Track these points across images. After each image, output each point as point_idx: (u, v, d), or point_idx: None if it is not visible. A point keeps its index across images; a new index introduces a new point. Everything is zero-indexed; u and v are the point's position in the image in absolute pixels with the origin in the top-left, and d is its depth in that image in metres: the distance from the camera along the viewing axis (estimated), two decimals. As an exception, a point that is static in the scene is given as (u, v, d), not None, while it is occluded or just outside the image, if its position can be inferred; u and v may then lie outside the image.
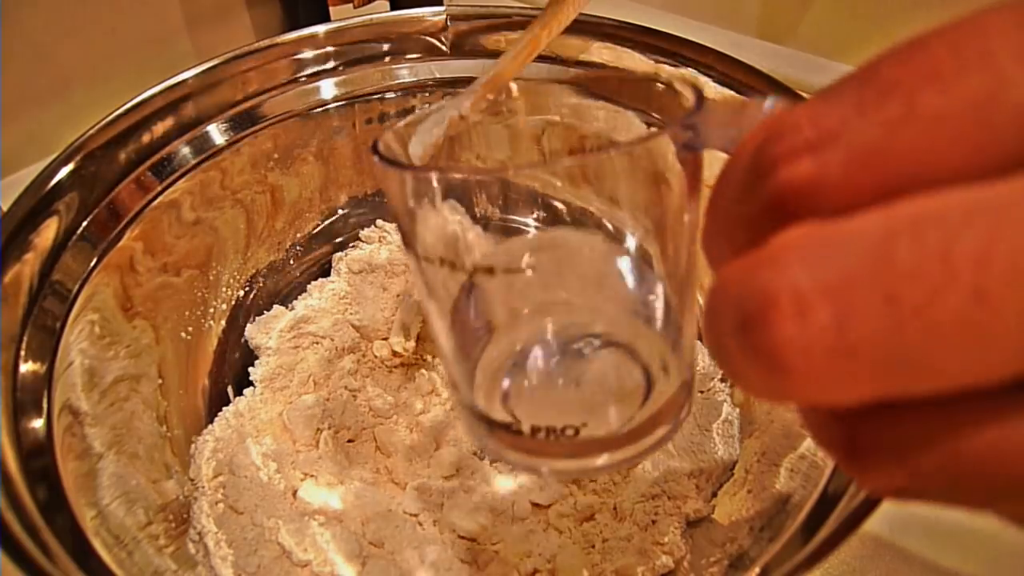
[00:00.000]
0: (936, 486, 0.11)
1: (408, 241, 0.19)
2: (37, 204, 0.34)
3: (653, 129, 0.19)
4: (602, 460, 0.20)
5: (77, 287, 0.35)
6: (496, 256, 0.21)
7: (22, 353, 0.31)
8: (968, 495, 0.11)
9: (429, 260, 0.19)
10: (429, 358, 0.46)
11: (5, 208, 0.33)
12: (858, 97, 0.10)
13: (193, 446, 0.39)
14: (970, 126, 0.10)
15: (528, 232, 0.22)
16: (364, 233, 0.48)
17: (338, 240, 0.48)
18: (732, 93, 0.40)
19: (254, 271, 0.45)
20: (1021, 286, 0.09)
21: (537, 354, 0.21)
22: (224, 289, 0.44)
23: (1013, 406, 0.10)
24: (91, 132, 0.36)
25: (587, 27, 0.44)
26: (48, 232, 0.34)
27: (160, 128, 0.39)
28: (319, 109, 0.44)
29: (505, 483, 0.40)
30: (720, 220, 0.13)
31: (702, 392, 0.41)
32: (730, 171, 0.12)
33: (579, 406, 0.20)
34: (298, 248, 0.47)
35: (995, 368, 0.09)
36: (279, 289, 0.46)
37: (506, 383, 0.20)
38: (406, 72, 0.46)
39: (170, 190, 0.39)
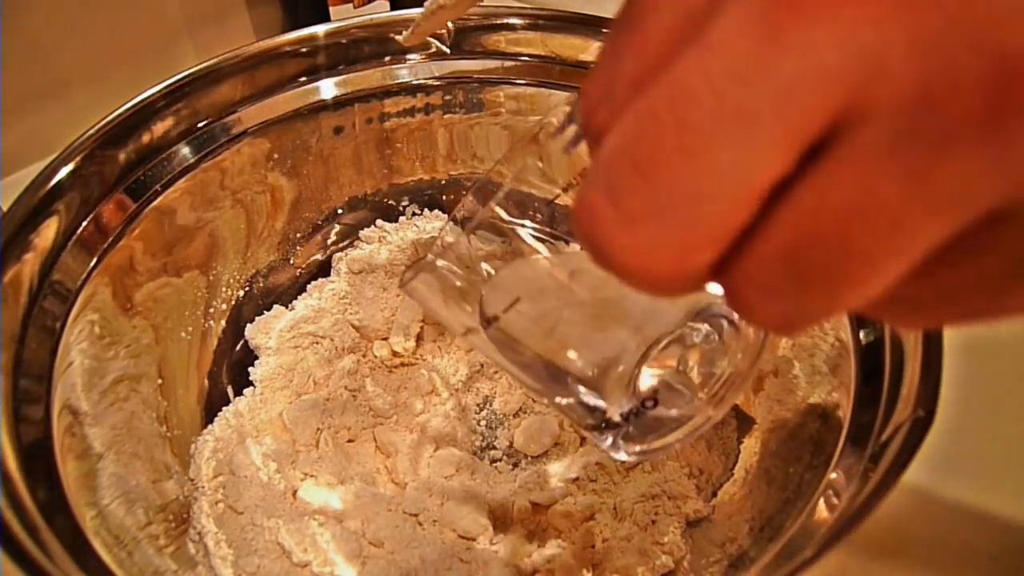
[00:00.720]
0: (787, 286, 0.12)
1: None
2: (37, 204, 0.34)
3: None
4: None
5: (77, 287, 0.35)
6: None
7: (22, 353, 0.31)
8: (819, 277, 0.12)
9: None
10: (429, 358, 0.46)
11: (5, 208, 0.33)
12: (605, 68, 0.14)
13: (193, 446, 0.39)
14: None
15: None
16: (364, 233, 0.48)
17: (338, 240, 0.48)
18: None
19: (254, 271, 0.45)
20: (694, 104, 0.11)
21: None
22: (224, 289, 0.44)
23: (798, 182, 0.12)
24: (91, 132, 0.36)
25: (586, 26, 0.44)
26: (48, 232, 0.34)
27: (160, 128, 0.39)
28: (319, 109, 0.44)
29: (505, 483, 0.40)
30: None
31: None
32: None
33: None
34: (298, 248, 0.47)
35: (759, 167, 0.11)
36: (279, 289, 0.46)
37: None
38: (406, 72, 0.46)
39: (170, 190, 0.39)
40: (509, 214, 0.21)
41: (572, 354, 0.21)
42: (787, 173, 0.12)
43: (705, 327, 0.21)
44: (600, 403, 0.21)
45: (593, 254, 0.13)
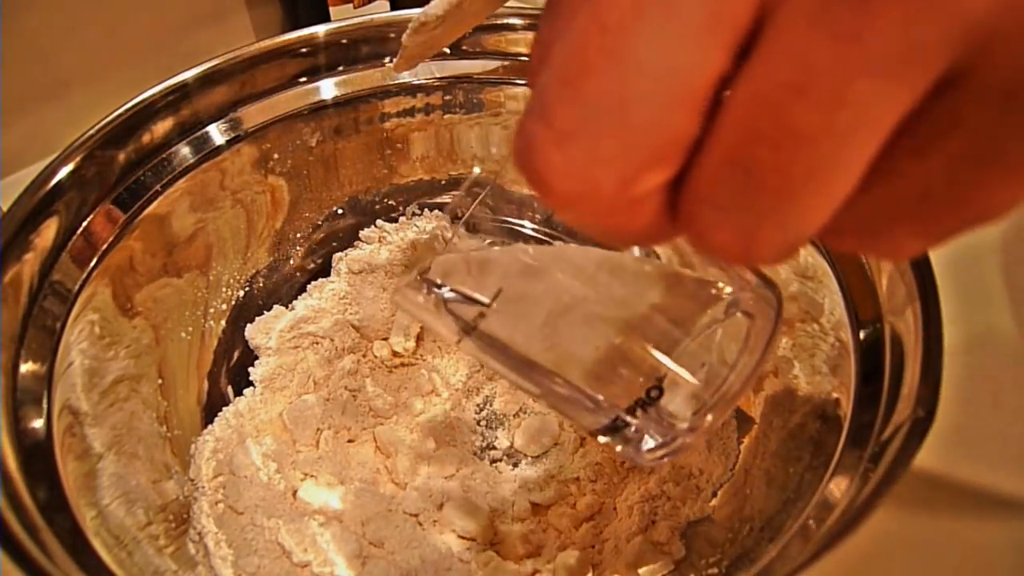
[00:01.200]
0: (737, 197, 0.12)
1: None
2: (37, 204, 0.34)
3: None
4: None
5: (77, 287, 0.35)
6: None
7: (22, 353, 0.31)
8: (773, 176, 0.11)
9: None
10: (429, 358, 0.46)
11: (5, 208, 0.33)
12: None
13: (193, 446, 0.39)
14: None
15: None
16: (364, 233, 0.48)
17: (338, 240, 0.48)
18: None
19: (254, 271, 0.45)
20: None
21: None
22: (224, 289, 0.44)
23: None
24: (91, 132, 0.36)
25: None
26: (48, 232, 0.34)
27: (160, 128, 0.39)
28: (319, 109, 0.44)
29: (505, 483, 0.40)
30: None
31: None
32: None
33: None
34: (298, 248, 0.47)
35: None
36: (279, 289, 0.46)
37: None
38: (406, 72, 0.46)
39: (170, 190, 0.39)
40: (505, 213, 0.21)
41: (564, 356, 0.21)
42: (724, 72, 0.11)
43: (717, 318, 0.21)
44: (600, 398, 0.21)
45: (532, 185, 0.12)
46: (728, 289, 0.20)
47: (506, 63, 0.46)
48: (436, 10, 0.27)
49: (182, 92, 0.39)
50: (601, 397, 0.21)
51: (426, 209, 0.49)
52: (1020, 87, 0.10)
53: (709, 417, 0.21)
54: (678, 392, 0.21)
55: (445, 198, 0.50)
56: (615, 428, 0.21)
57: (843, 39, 0.10)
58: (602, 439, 0.22)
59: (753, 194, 0.11)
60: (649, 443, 0.21)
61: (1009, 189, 0.11)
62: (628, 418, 0.21)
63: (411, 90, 0.46)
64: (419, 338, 0.46)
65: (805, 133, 0.10)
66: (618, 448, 0.22)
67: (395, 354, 0.45)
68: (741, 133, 0.11)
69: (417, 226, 0.48)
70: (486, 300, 0.21)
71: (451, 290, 0.21)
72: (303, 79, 0.44)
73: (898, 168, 0.11)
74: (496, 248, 0.22)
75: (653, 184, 0.12)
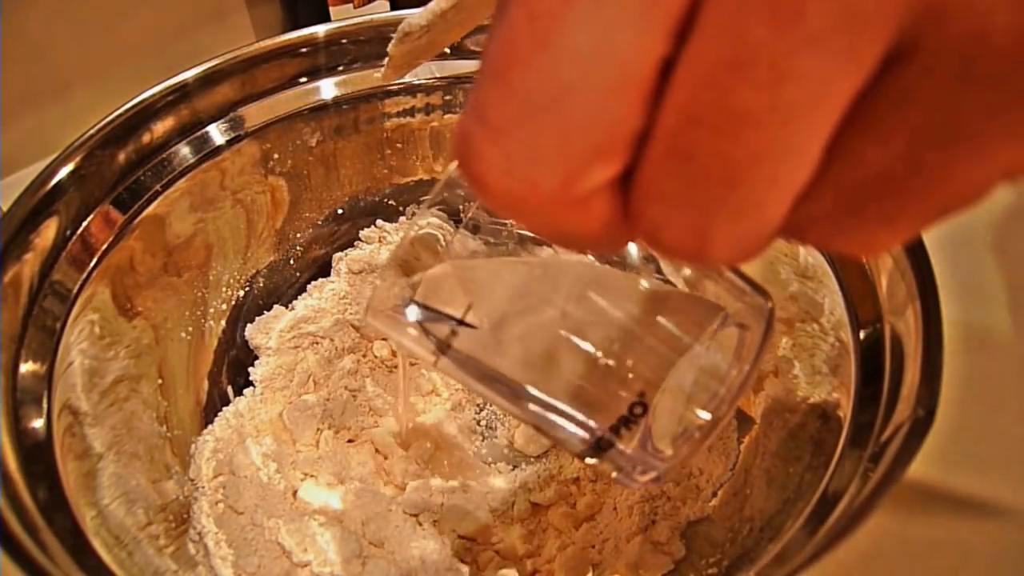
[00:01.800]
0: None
1: None
2: (37, 204, 0.34)
3: None
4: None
5: (77, 287, 0.35)
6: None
7: (22, 353, 0.31)
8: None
9: None
10: (429, 358, 0.46)
11: (5, 208, 0.33)
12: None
13: (193, 446, 0.39)
14: None
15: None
16: (364, 233, 0.48)
17: (338, 240, 0.48)
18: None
19: (254, 271, 0.45)
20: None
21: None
22: (224, 289, 0.44)
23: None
24: (91, 132, 0.36)
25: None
26: (48, 232, 0.34)
27: (160, 128, 0.39)
28: (319, 109, 0.44)
29: (505, 483, 0.40)
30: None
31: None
32: None
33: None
34: (298, 248, 0.47)
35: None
36: (279, 289, 0.46)
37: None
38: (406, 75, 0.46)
39: (170, 190, 0.39)
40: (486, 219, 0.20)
41: (543, 374, 0.20)
42: (665, 56, 0.10)
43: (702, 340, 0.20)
44: (580, 416, 0.20)
45: (471, 185, 0.12)
46: (720, 304, 0.20)
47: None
48: (420, 20, 0.27)
49: (182, 92, 0.39)
50: (581, 416, 0.20)
51: (426, 209, 0.49)
52: (976, 54, 0.09)
53: (697, 435, 0.20)
54: (664, 409, 0.20)
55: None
56: (600, 447, 0.20)
57: (780, 12, 0.09)
58: (589, 461, 0.21)
59: (699, 185, 0.11)
60: (642, 467, 0.20)
61: (978, 166, 0.10)
62: (612, 437, 0.20)
63: (411, 90, 0.46)
64: (419, 338, 0.46)
65: (746, 114, 0.10)
66: (613, 475, 0.21)
67: (395, 354, 0.45)
68: (681, 119, 0.10)
69: (419, 224, 0.48)
70: (460, 316, 0.20)
71: (425, 308, 0.21)
72: (303, 79, 0.44)
73: (856, 151, 0.11)
74: (482, 260, 0.21)
75: (597, 181, 0.11)
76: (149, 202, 0.38)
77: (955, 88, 0.10)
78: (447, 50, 0.46)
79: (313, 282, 0.47)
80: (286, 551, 0.35)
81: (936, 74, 0.10)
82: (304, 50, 0.43)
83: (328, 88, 0.44)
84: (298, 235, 0.47)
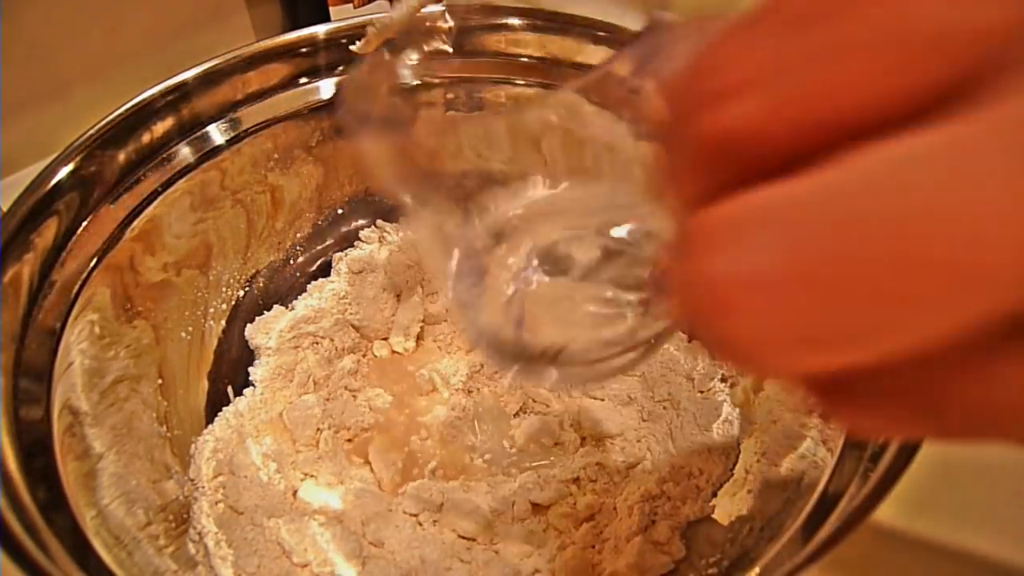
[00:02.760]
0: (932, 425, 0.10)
1: None
2: (37, 204, 0.34)
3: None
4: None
5: (77, 287, 0.35)
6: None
7: (22, 353, 0.31)
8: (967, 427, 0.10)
9: None
10: (430, 358, 0.46)
11: (5, 208, 0.33)
12: (780, 31, 0.09)
13: (193, 446, 0.39)
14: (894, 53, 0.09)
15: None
16: (364, 233, 0.48)
17: (338, 240, 0.48)
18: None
19: (254, 271, 0.45)
20: (976, 245, 0.08)
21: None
22: (224, 289, 0.44)
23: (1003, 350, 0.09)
24: (91, 132, 0.36)
25: (584, 28, 0.44)
26: (48, 232, 0.34)
27: (160, 128, 0.39)
28: (319, 109, 0.44)
29: (505, 483, 0.40)
30: (668, 163, 0.11)
31: (702, 392, 0.41)
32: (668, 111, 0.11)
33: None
34: (298, 248, 0.47)
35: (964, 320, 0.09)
36: (279, 289, 0.46)
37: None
38: (406, 72, 0.46)
39: (170, 190, 0.39)
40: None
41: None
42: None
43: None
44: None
45: (705, 341, 0.10)
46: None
47: (506, 63, 0.46)
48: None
49: (182, 92, 0.39)
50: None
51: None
52: None
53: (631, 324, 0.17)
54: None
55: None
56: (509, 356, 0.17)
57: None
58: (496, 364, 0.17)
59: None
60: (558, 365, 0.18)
61: None
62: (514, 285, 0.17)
63: (411, 90, 0.46)
64: (419, 338, 0.46)
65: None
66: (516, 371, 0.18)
67: (395, 354, 0.45)
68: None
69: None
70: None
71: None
72: (303, 79, 0.44)
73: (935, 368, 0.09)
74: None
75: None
76: (149, 202, 0.38)
77: None
78: (448, 49, 0.46)
79: (313, 282, 0.47)
80: (286, 551, 0.35)
81: None
82: (304, 50, 0.43)
83: (328, 88, 0.44)
84: (298, 235, 0.47)
